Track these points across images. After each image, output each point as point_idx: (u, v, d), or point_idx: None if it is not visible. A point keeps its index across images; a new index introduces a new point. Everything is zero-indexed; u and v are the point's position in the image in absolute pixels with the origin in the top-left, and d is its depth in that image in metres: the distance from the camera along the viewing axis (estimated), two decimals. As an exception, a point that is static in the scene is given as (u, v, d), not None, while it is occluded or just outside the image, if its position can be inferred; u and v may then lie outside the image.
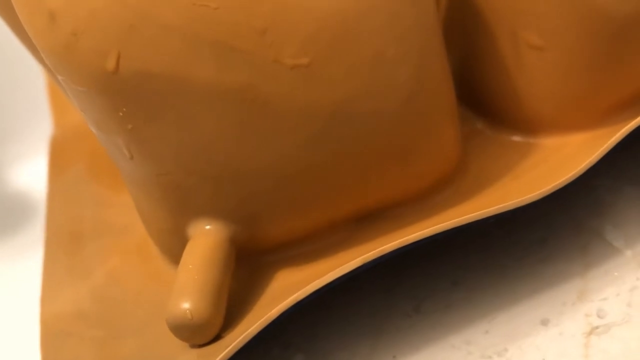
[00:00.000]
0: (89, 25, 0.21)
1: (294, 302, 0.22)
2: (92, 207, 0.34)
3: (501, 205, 0.24)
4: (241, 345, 0.22)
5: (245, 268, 0.26)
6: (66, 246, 0.31)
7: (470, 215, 0.24)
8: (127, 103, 0.22)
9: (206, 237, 0.25)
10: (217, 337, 0.24)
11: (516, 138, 0.30)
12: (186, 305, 0.23)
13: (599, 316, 0.25)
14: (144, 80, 0.22)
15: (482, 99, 0.30)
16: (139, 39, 0.21)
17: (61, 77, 0.22)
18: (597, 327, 0.25)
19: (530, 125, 0.29)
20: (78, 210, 0.34)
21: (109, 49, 0.21)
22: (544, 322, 0.25)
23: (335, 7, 0.22)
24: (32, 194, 0.40)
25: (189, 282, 0.23)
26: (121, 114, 0.22)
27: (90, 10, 0.21)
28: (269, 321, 0.22)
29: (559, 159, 0.28)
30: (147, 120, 0.23)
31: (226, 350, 0.22)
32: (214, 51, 0.22)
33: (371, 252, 0.23)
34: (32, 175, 0.41)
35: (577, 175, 0.25)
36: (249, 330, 0.22)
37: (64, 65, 0.22)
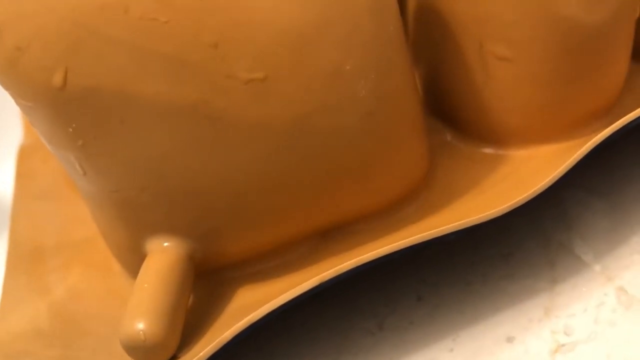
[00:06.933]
0: (35, 40, 0.20)
1: (248, 324, 0.22)
2: (56, 219, 0.33)
3: (465, 221, 0.24)
4: (195, 367, 0.22)
5: (205, 285, 0.26)
6: (28, 261, 0.31)
7: (432, 231, 0.23)
8: (76, 119, 0.22)
9: (163, 255, 0.24)
10: (172, 358, 0.23)
11: (485, 150, 0.29)
12: (140, 326, 0.22)
13: (565, 333, 0.25)
14: (93, 96, 0.21)
15: (451, 110, 0.30)
16: (87, 54, 0.21)
17: (8, 91, 0.22)
18: (563, 345, 0.24)
19: (498, 137, 0.28)
20: (42, 222, 0.33)
21: (56, 64, 0.21)
22: (510, 340, 0.25)
23: (290, 21, 0.21)
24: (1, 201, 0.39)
25: (143, 301, 0.23)
26: (70, 129, 0.22)
27: (36, 24, 0.20)
28: (221, 344, 0.22)
29: (527, 171, 0.27)
30: (97, 136, 0.22)
31: (180, 373, 0.22)
32: (164, 65, 0.21)
33: (328, 272, 0.22)
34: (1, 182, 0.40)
35: (543, 188, 0.24)
36: (201, 354, 0.22)
37: (9, 80, 0.21)
